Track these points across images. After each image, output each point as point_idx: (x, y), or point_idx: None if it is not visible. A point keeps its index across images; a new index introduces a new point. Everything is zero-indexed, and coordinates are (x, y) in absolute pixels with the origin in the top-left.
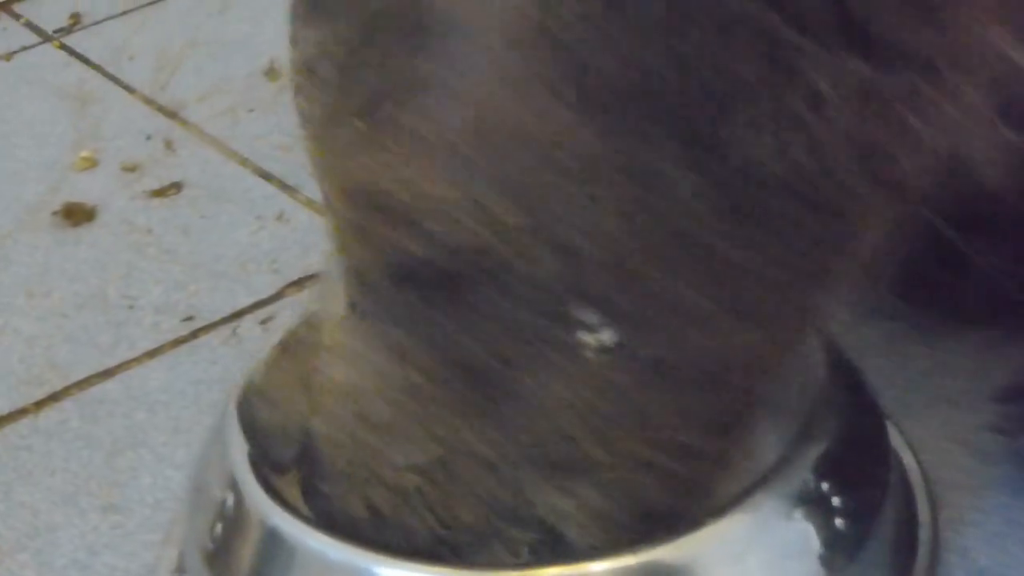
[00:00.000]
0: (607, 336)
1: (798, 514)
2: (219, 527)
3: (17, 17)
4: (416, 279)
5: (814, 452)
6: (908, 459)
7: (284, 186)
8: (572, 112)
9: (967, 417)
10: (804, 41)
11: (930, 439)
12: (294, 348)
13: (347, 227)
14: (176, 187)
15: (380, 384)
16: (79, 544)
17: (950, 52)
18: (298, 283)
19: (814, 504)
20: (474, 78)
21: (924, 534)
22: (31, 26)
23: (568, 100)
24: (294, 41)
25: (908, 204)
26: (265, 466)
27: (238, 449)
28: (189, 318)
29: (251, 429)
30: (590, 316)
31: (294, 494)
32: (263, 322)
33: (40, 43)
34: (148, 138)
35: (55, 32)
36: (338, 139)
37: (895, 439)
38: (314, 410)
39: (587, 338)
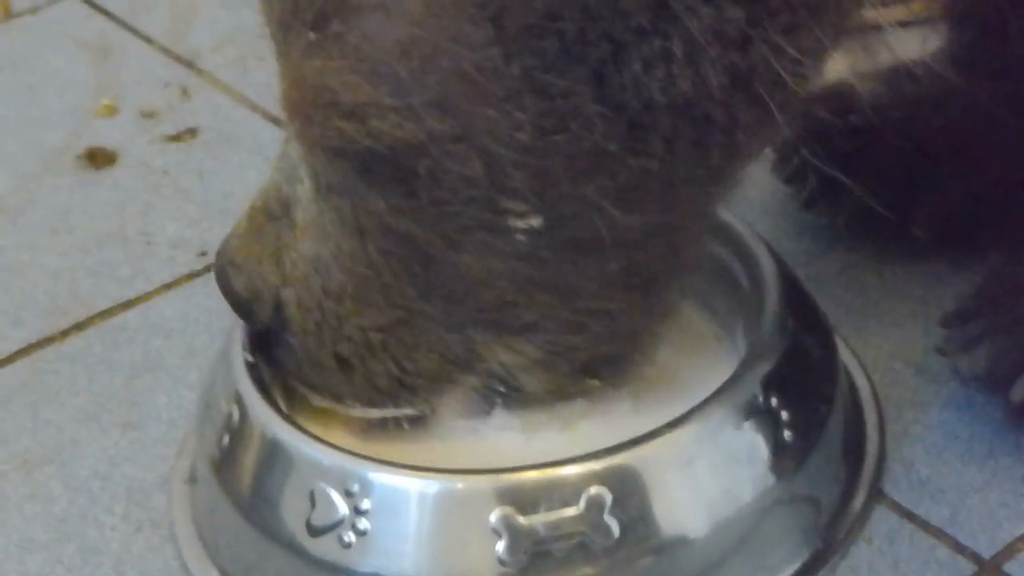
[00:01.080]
0: (533, 221)
1: (747, 425)
2: (226, 438)
3: None
4: (362, 162)
5: (763, 370)
6: (859, 378)
7: None
8: (488, 40)
9: (915, 340)
10: None
11: (881, 360)
12: (263, 223)
13: (298, 113)
14: (191, 132)
15: (342, 258)
16: (100, 457)
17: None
18: None
19: (762, 416)
20: (404, 6)
21: (871, 447)
22: None
23: (484, 30)
24: None
25: (783, 117)
26: (246, 323)
27: (242, 368)
28: (202, 253)
29: (229, 294)
30: (517, 206)
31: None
32: None
33: None
34: (165, 86)
35: None
36: (293, 44)
37: (848, 360)
38: (285, 281)
39: (516, 223)
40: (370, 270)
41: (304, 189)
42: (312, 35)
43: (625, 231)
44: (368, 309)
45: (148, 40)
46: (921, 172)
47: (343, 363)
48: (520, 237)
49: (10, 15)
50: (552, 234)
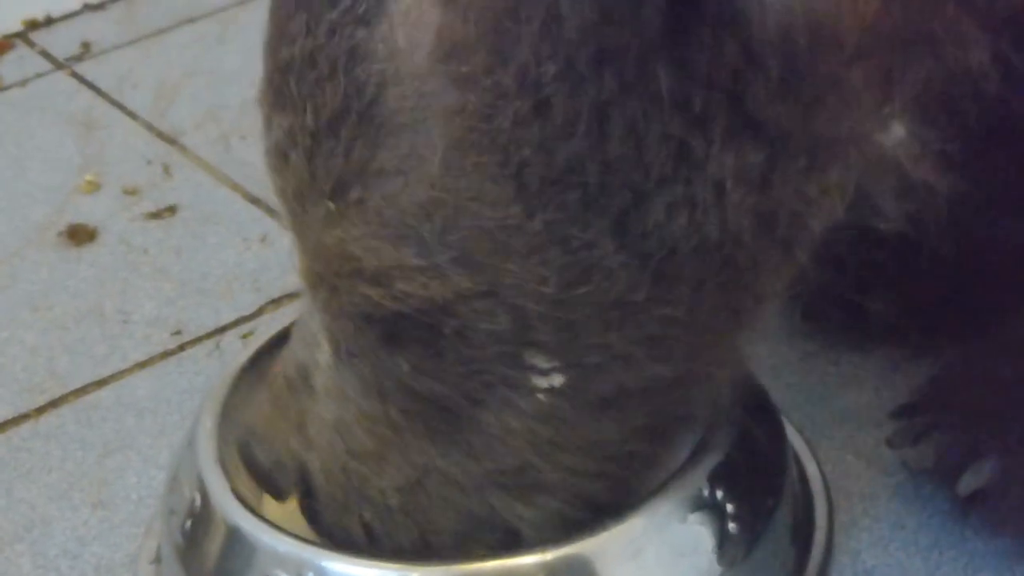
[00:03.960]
0: (556, 379)
1: (692, 518)
2: (188, 524)
3: (32, 45)
4: (387, 327)
5: (710, 463)
6: (811, 469)
7: (269, 210)
8: (510, 197)
9: (868, 431)
10: (706, 142)
11: (833, 451)
12: (284, 394)
13: (322, 284)
14: (171, 210)
15: (363, 420)
16: (70, 536)
17: (831, 137)
18: (277, 301)
19: (708, 509)
20: (424, 169)
21: (819, 537)
22: (45, 54)
23: (505, 187)
24: (267, 124)
25: (804, 256)
26: (269, 494)
27: (206, 455)
28: (177, 332)
29: (253, 466)
30: (540, 362)
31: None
32: (244, 336)
33: (53, 71)
34: (148, 163)
35: (67, 60)
36: (311, 214)
37: (801, 449)
38: (308, 447)
39: (539, 381)
40: (390, 429)
41: (324, 354)
42: (332, 205)
43: (651, 381)
44: (387, 469)
45: (133, 116)
46: (878, 264)
47: (368, 528)
48: (541, 396)
49: (0, 87)
50: (575, 393)
